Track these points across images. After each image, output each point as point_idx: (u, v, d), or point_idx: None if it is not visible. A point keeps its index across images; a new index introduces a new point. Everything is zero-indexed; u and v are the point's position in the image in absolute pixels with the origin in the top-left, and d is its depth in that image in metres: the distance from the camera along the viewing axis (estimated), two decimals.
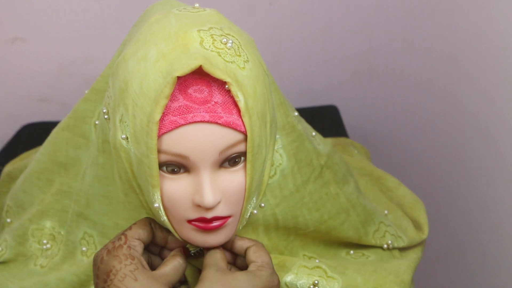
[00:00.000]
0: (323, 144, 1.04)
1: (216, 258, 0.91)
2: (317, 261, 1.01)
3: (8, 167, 1.29)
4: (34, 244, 1.06)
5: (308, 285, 0.98)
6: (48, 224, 1.05)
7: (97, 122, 1.04)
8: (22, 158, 1.33)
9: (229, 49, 0.86)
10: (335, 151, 1.07)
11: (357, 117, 1.73)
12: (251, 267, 0.91)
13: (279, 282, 0.91)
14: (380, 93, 1.73)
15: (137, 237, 0.89)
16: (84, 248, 1.03)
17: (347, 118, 1.65)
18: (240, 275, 0.88)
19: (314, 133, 1.05)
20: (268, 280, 0.89)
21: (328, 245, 1.05)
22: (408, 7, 1.62)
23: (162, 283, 0.86)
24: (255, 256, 0.92)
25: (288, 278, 0.98)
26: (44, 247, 1.06)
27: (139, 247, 0.88)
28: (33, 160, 1.12)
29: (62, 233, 1.05)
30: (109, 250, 0.87)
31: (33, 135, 1.46)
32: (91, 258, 1.01)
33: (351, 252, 1.06)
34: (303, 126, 1.03)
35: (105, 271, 0.85)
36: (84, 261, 1.02)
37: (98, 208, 1.01)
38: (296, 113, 1.01)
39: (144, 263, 0.88)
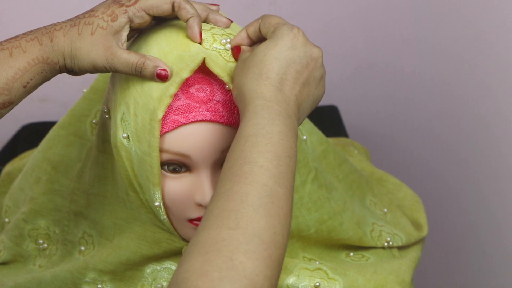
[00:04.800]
0: (313, 148, 1.05)
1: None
2: (317, 263, 1.01)
3: (8, 167, 1.28)
4: (31, 244, 1.06)
5: (309, 287, 0.98)
6: (42, 223, 1.05)
7: (94, 121, 1.04)
8: (22, 158, 1.33)
9: (228, 50, 0.86)
10: (326, 155, 1.07)
11: (357, 117, 1.72)
12: (268, 37, 0.82)
13: (300, 32, 0.81)
14: (380, 93, 1.73)
15: (147, 9, 0.84)
16: (82, 248, 1.02)
17: (347, 118, 1.65)
18: (258, 49, 0.80)
19: (305, 137, 1.05)
20: (290, 33, 0.81)
21: (328, 248, 1.05)
22: (408, 5, 1.62)
23: (110, 53, 0.82)
24: (265, 27, 0.84)
25: (289, 280, 0.98)
26: (41, 247, 1.06)
27: (138, 19, 0.84)
28: (30, 158, 1.12)
29: (56, 232, 1.05)
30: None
31: (33, 135, 1.46)
32: (87, 256, 1.01)
33: (351, 254, 1.05)
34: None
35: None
36: (80, 260, 1.02)
37: (98, 208, 1.00)
38: None
39: (121, 37, 0.83)
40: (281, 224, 0.71)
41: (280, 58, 0.79)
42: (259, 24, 0.85)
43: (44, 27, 0.85)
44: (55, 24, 0.84)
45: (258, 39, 0.86)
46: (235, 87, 0.81)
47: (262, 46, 0.80)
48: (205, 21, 0.88)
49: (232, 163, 0.74)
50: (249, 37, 0.86)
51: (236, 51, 0.86)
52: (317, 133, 1.08)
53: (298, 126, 0.81)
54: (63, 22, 0.85)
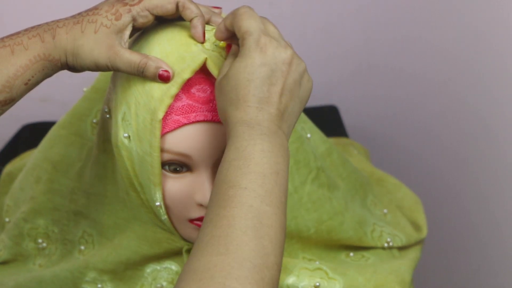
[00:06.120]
0: (316, 146, 1.05)
1: None
2: (317, 263, 1.01)
3: (9, 167, 1.28)
4: (30, 243, 1.06)
5: (309, 287, 0.98)
6: (41, 223, 1.05)
7: (94, 121, 1.04)
8: (22, 158, 1.33)
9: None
10: (330, 153, 1.08)
11: (357, 117, 1.72)
12: (239, 52, 0.79)
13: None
14: (380, 93, 1.73)
15: (151, 8, 0.83)
16: (82, 247, 1.02)
17: (347, 118, 1.65)
18: (231, 72, 0.78)
19: (309, 135, 1.05)
20: (257, 48, 0.78)
21: (328, 248, 1.05)
22: (408, 5, 1.62)
23: (112, 52, 0.82)
24: (236, 31, 0.80)
25: (289, 280, 0.98)
26: (40, 246, 1.06)
27: (142, 19, 0.83)
28: (30, 158, 1.12)
29: (55, 231, 1.05)
30: None
31: (33, 135, 1.46)
32: (88, 256, 1.01)
33: (351, 254, 1.06)
34: (300, 127, 1.03)
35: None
36: (80, 259, 1.02)
37: (98, 208, 1.00)
38: None
39: (124, 36, 0.83)
40: (272, 243, 0.71)
41: (253, 78, 0.77)
42: (226, 22, 0.83)
43: (46, 23, 0.84)
44: (57, 21, 0.84)
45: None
46: (219, 112, 0.80)
47: (234, 70, 0.78)
48: (208, 23, 0.88)
49: (218, 189, 0.74)
50: (227, 29, 0.83)
51: (228, 49, 0.85)
52: (319, 132, 1.08)
53: (289, 133, 0.80)
54: (65, 19, 0.84)
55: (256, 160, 0.74)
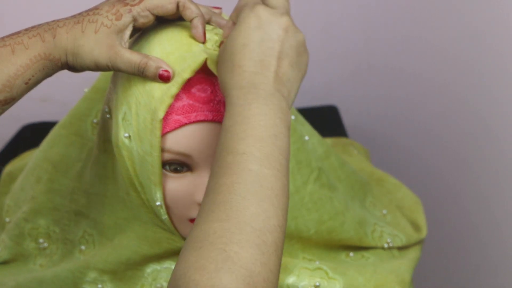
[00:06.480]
0: (315, 149, 1.05)
1: None
2: (317, 262, 1.01)
3: (9, 167, 1.28)
4: (31, 243, 1.06)
5: (309, 287, 0.98)
6: (42, 222, 1.05)
7: (95, 121, 1.04)
8: (22, 158, 1.33)
9: None
10: (328, 156, 1.08)
11: (356, 117, 1.73)
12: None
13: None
14: (380, 93, 1.73)
15: (152, 8, 0.84)
16: (83, 247, 1.02)
17: (347, 118, 1.65)
18: (227, 42, 0.78)
19: (307, 137, 1.05)
20: (251, 13, 0.78)
21: (328, 248, 1.05)
22: (408, 5, 1.62)
23: (113, 52, 0.82)
24: (237, 12, 0.83)
25: (289, 280, 0.98)
26: (41, 246, 1.06)
27: (142, 19, 0.84)
28: (31, 158, 1.12)
29: (56, 231, 1.05)
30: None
31: (33, 135, 1.46)
32: (88, 256, 1.01)
33: (351, 254, 1.06)
34: (299, 129, 1.03)
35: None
36: (80, 259, 1.02)
37: (99, 207, 1.01)
38: (293, 117, 1.01)
39: (124, 36, 0.83)
40: (274, 206, 0.71)
41: (247, 43, 0.78)
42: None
43: (47, 23, 0.84)
44: (58, 21, 0.84)
45: None
46: (220, 87, 0.80)
47: (229, 38, 0.79)
48: (208, 23, 0.88)
49: (217, 157, 0.74)
50: (234, 24, 0.84)
51: None
52: (317, 135, 1.08)
53: (291, 99, 0.79)
54: (66, 18, 0.85)
55: (252, 124, 0.74)
